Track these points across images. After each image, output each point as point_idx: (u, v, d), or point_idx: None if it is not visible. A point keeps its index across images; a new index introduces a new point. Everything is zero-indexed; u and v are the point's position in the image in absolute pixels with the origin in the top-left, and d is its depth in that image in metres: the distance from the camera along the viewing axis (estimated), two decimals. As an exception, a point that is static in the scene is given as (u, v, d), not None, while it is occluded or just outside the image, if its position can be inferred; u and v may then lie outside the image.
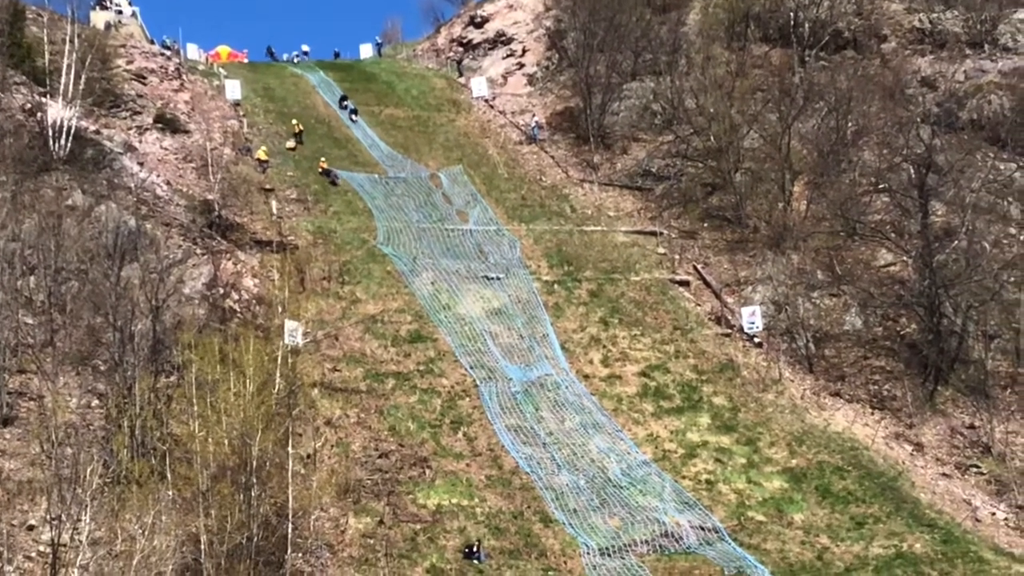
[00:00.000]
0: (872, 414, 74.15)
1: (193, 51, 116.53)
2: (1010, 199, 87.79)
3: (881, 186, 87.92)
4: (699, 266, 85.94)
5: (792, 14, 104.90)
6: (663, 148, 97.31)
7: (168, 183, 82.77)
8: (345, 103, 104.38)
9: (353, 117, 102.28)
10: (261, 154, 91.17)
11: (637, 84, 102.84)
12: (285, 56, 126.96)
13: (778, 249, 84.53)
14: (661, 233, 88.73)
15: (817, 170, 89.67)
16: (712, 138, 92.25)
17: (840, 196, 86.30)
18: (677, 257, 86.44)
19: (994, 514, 67.01)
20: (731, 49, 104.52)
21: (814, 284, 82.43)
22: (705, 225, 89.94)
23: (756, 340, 79.15)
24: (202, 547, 52.15)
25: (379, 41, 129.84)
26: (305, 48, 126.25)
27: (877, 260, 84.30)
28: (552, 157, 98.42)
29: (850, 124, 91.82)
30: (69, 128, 78.16)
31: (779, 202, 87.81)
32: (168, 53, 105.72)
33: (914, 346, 78.34)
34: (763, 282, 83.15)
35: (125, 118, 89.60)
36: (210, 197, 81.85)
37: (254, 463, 53.48)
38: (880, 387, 76.11)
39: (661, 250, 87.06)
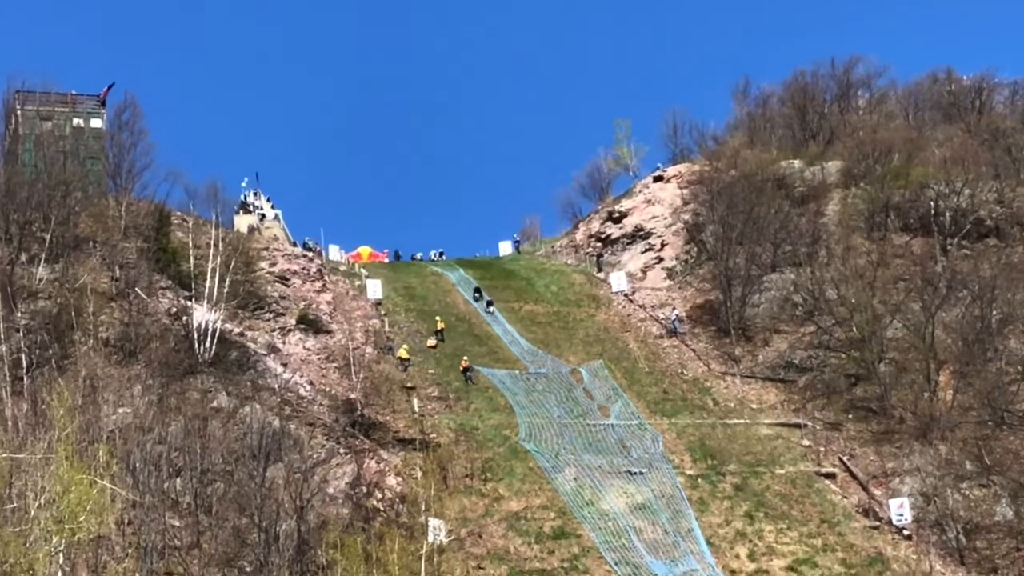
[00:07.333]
0: (1027, 606, 72.36)
1: (334, 252, 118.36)
2: None
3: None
4: (845, 458, 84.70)
5: (932, 203, 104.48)
6: (805, 339, 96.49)
7: (311, 383, 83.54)
8: (479, 295, 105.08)
9: (489, 309, 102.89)
10: (403, 352, 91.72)
11: (777, 276, 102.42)
12: (419, 256, 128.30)
13: (925, 440, 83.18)
14: (805, 425, 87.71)
15: (963, 359, 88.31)
16: (854, 328, 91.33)
17: (987, 385, 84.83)
18: (822, 449, 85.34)
19: None
20: (871, 239, 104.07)
21: (963, 475, 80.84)
22: (850, 416, 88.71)
23: (905, 533, 77.57)
24: None
25: (517, 238, 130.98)
26: (438, 252, 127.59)
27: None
28: (693, 350, 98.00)
29: (995, 312, 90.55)
30: (214, 331, 79.34)
31: (925, 392, 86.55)
32: (310, 255, 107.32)
33: (1068, 537, 76.52)
34: (911, 473, 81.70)
35: (268, 320, 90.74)
36: (352, 396, 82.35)
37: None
38: (1034, 579, 74.34)
39: (806, 442, 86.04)
